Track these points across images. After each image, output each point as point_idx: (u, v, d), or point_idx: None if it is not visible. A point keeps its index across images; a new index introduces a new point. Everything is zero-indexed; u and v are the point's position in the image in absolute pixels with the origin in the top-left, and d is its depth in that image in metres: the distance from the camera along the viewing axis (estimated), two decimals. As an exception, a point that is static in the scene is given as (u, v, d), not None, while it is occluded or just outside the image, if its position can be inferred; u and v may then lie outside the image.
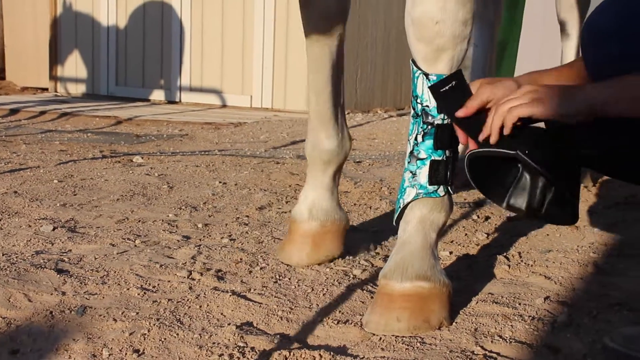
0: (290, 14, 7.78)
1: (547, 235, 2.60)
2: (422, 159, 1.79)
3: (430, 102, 1.75)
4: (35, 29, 9.46)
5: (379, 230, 2.62)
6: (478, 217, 2.86)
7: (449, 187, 1.82)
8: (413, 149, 1.80)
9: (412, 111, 1.81)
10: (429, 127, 1.77)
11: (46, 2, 9.22)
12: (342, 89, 2.31)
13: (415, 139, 1.80)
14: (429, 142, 1.78)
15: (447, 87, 1.72)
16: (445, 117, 1.75)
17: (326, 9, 2.19)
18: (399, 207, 1.84)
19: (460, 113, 1.66)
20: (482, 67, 3.56)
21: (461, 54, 1.76)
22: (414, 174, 1.80)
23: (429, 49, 1.74)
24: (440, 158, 1.78)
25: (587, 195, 3.28)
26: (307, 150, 2.30)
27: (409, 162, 1.82)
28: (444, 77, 1.74)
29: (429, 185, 1.79)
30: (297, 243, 2.24)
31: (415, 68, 1.78)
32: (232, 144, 5.12)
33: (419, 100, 1.78)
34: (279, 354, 1.60)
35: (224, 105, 8.16)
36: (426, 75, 1.75)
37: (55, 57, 9.14)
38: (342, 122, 2.31)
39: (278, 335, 1.71)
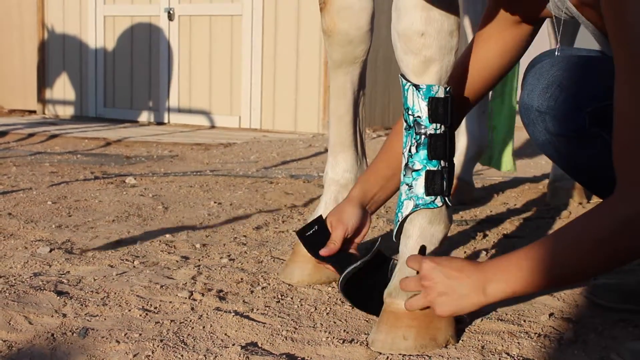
0: (278, 34, 7.80)
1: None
2: (417, 170, 1.79)
3: (422, 113, 1.76)
4: (23, 52, 9.45)
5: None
6: (476, 234, 2.86)
7: (447, 199, 1.81)
8: (408, 161, 1.80)
9: (405, 124, 1.81)
10: (422, 137, 1.77)
11: (34, 25, 9.22)
12: (362, 116, 2.32)
13: (409, 150, 1.79)
14: (423, 153, 1.77)
15: (311, 232, 2.07)
16: (438, 127, 1.76)
17: (350, 36, 2.20)
18: (398, 221, 1.83)
19: (324, 252, 2.01)
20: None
21: (449, 65, 1.77)
22: (410, 186, 1.80)
23: (416, 60, 1.75)
24: (435, 168, 1.78)
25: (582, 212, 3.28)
26: (325, 173, 2.33)
27: (404, 175, 1.81)
28: (307, 222, 2.11)
29: (426, 196, 1.78)
30: (299, 262, 2.23)
31: (404, 81, 1.78)
32: (223, 165, 5.11)
33: (410, 112, 1.78)
34: (286, 374, 1.58)
35: (212, 126, 8.17)
36: (416, 86, 1.75)
37: (43, 79, 9.13)
38: (361, 152, 2.33)
39: (284, 355, 1.69)
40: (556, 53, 1.88)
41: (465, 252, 2.62)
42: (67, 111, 9.03)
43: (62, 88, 9.05)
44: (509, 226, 3.02)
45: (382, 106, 8.31)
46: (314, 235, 2.06)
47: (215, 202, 3.43)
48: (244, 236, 2.81)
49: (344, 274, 1.90)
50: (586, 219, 1.55)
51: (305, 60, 7.68)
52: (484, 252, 2.60)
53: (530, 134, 1.90)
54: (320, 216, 2.10)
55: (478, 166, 4.27)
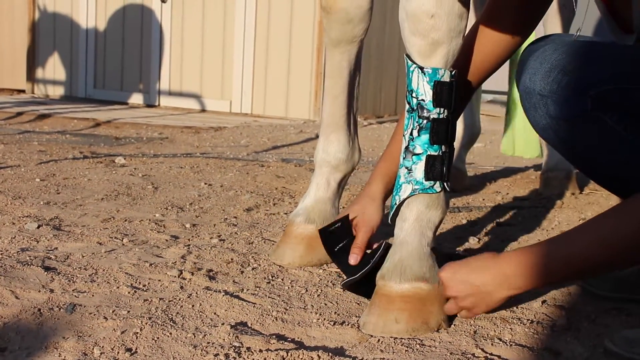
0: (271, 19, 7.75)
1: (539, 240, 2.58)
2: (417, 154, 1.75)
3: (426, 96, 1.72)
4: (12, 31, 9.37)
5: (369, 233, 2.58)
6: (468, 221, 2.84)
7: (445, 184, 1.78)
8: (408, 144, 1.76)
9: (407, 106, 1.77)
10: (425, 121, 1.73)
11: (24, 4, 9.13)
12: (356, 96, 2.28)
13: (411, 134, 1.76)
14: (425, 137, 1.74)
15: (333, 227, 2.01)
16: (442, 112, 1.73)
17: (349, 15, 2.16)
18: (395, 204, 1.80)
19: (352, 260, 1.94)
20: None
21: (456, 48, 1.72)
22: (409, 170, 1.76)
23: (424, 42, 1.70)
24: (436, 153, 1.75)
25: (575, 202, 3.27)
26: (316, 154, 2.29)
27: (404, 158, 1.78)
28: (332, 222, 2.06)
29: (425, 181, 1.75)
30: (290, 244, 2.20)
31: (410, 62, 1.74)
32: (213, 148, 5.08)
33: (414, 95, 1.74)
34: (277, 354, 1.55)
35: (203, 110, 8.12)
36: (421, 68, 1.72)
37: (33, 59, 9.06)
38: (353, 132, 2.30)
39: (274, 336, 1.67)
40: (576, 34, 1.84)
41: (457, 238, 2.60)
42: (57, 91, 8.96)
43: (52, 68, 8.98)
44: (501, 214, 3.01)
45: (374, 94, 8.27)
46: (336, 232, 2.00)
47: (205, 184, 3.41)
48: (235, 217, 2.79)
49: (347, 280, 1.89)
50: (615, 216, 1.53)
51: (298, 46, 7.64)
52: (477, 240, 2.58)
53: (531, 118, 1.86)
54: (347, 215, 2.02)
55: (469, 155, 4.25)
